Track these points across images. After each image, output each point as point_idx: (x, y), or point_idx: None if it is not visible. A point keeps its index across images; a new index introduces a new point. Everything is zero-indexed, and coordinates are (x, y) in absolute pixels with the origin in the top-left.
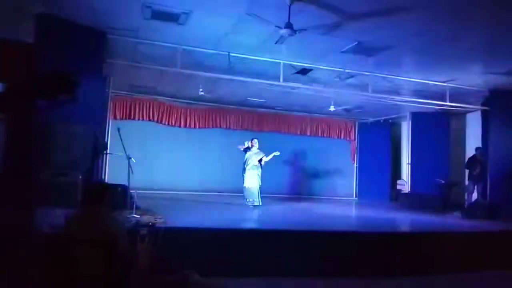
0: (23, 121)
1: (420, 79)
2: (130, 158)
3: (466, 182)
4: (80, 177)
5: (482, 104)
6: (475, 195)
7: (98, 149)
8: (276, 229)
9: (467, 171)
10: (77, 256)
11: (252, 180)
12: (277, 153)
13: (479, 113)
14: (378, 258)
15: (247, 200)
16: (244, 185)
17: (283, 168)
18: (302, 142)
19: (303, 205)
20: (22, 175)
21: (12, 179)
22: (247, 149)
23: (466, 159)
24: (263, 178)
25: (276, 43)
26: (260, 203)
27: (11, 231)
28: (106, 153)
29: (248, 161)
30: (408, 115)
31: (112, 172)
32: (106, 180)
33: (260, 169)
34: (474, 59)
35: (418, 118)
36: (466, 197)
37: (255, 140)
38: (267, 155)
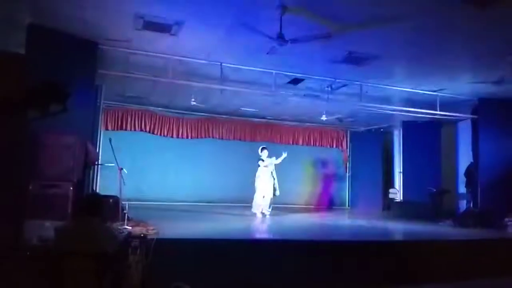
0: (13, 132)
1: (411, 88)
2: (122, 169)
3: (463, 190)
4: (71, 188)
5: (472, 113)
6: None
7: (90, 160)
8: (269, 239)
9: (465, 180)
10: (67, 269)
11: (267, 190)
12: (285, 154)
13: (469, 121)
14: (369, 268)
15: (262, 210)
16: (261, 194)
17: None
18: (294, 151)
19: (297, 215)
20: (11, 186)
21: (1, 190)
22: (261, 160)
23: (460, 167)
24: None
25: (267, 53)
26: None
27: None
28: (98, 164)
29: (269, 170)
30: (399, 124)
31: (104, 183)
32: (97, 192)
33: (273, 179)
34: (464, 69)
35: (410, 127)
36: (459, 205)
37: (265, 151)
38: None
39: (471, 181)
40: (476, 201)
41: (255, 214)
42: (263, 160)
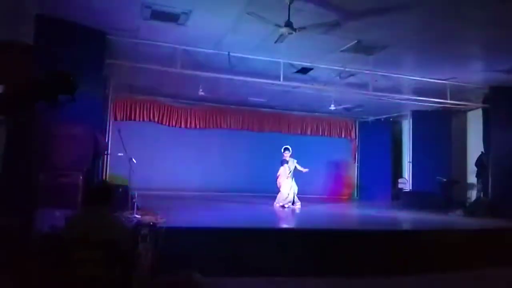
0: (23, 123)
1: (421, 77)
2: (131, 158)
3: (473, 180)
4: (81, 177)
5: (483, 102)
6: None
7: (99, 150)
8: (277, 228)
9: (475, 170)
10: (78, 258)
11: (293, 186)
12: (306, 169)
13: (480, 110)
14: (379, 257)
15: (286, 204)
16: (287, 192)
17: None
18: (303, 141)
19: (306, 205)
20: (22, 176)
21: (12, 180)
22: (285, 161)
23: (470, 157)
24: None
25: (275, 42)
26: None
27: (12, 232)
28: (107, 154)
29: (289, 172)
30: (409, 113)
31: (113, 173)
32: (107, 181)
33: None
34: (474, 57)
35: (419, 116)
36: (469, 195)
37: (287, 152)
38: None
39: (482, 171)
40: (487, 191)
41: (275, 206)
42: (287, 162)
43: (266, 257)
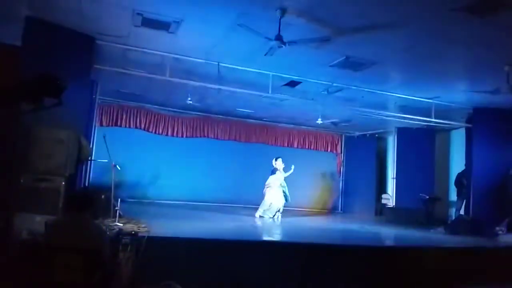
0: (6, 125)
1: (406, 95)
2: (115, 165)
3: (454, 198)
4: (63, 183)
5: (466, 121)
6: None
7: (83, 155)
8: (260, 241)
9: (455, 189)
10: (57, 264)
11: (278, 198)
12: (292, 168)
13: (463, 130)
14: (360, 273)
15: (269, 216)
16: (270, 201)
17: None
18: (289, 154)
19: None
20: (2, 179)
21: None
22: (276, 170)
23: (452, 175)
24: (252, 189)
25: (265, 54)
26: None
27: None
28: (91, 160)
29: (279, 181)
30: (394, 130)
31: (96, 179)
32: (89, 187)
33: (282, 188)
34: (459, 77)
35: (404, 133)
36: (451, 212)
37: (280, 160)
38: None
39: (461, 190)
40: (467, 209)
41: (256, 217)
42: (278, 170)
43: (247, 270)
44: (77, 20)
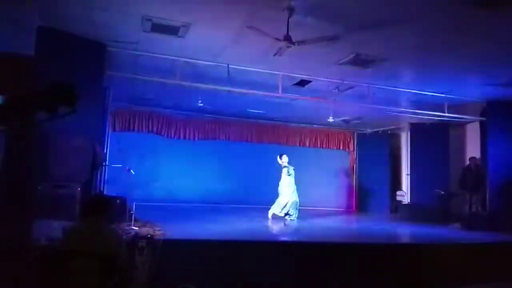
0: (22, 134)
1: (418, 91)
2: (130, 169)
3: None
4: (79, 189)
5: (481, 115)
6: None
7: (97, 161)
8: (275, 241)
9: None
10: (74, 269)
11: (293, 195)
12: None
13: (478, 123)
14: (377, 271)
15: (290, 215)
16: (287, 200)
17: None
18: (301, 153)
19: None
20: (21, 187)
21: (11, 191)
22: (284, 166)
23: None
24: (266, 189)
25: (274, 55)
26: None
27: (9, 243)
28: (105, 165)
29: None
30: (407, 126)
31: (111, 184)
32: (104, 192)
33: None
34: (472, 71)
35: (417, 129)
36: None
37: (285, 156)
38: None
39: (465, 185)
40: (484, 203)
41: (269, 218)
42: (287, 167)
43: (264, 270)
44: (88, 28)
